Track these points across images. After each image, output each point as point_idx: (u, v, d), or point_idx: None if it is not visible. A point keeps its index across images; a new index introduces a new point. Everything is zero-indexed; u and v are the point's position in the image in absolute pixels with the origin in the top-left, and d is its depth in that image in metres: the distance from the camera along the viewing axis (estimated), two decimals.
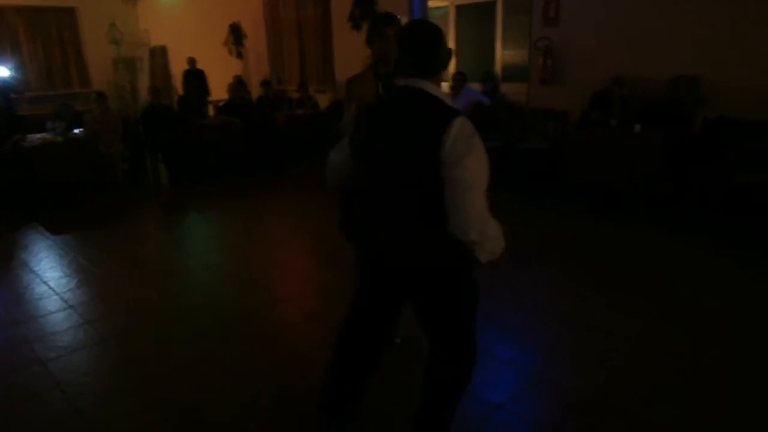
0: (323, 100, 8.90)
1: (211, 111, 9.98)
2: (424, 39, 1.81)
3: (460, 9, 7.61)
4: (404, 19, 8.23)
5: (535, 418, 2.42)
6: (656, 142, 5.07)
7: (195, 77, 9.90)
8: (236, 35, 10.73)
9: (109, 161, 6.70)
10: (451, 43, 7.80)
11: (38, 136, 6.38)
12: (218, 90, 10.23)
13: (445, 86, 7.58)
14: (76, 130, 6.68)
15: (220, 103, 9.82)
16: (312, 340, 3.18)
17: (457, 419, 2.42)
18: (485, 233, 1.70)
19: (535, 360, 2.90)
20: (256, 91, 9.60)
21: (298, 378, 2.76)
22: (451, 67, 7.85)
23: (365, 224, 1.95)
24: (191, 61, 9.96)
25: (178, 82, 10.92)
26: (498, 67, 7.34)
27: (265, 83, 8.88)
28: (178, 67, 11.45)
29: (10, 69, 10.04)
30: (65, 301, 3.78)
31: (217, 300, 3.78)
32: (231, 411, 2.53)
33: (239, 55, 10.87)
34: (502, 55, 7.27)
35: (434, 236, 1.76)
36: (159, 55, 12.72)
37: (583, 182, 5.63)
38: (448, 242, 1.72)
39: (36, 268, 4.43)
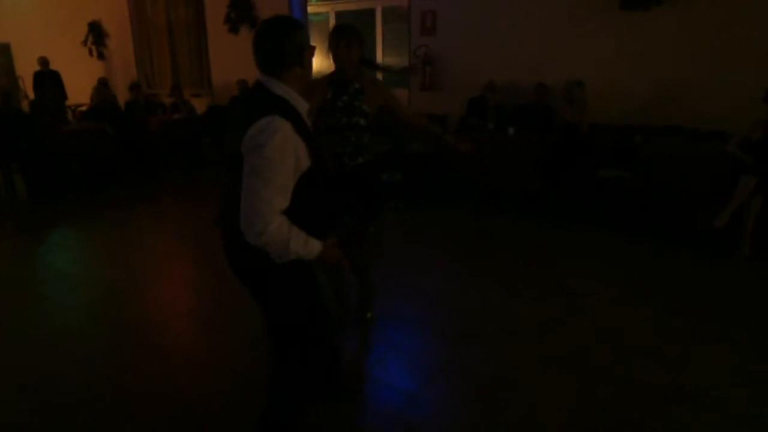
0: (199, 105, 8.52)
1: (69, 116, 9.09)
2: (266, 37, 1.75)
3: (339, 15, 7.69)
4: None
5: (449, 401, 2.54)
6: (528, 144, 5.54)
7: (49, 79, 8.97)
8: (96, 35, 9.93)
9: None
10: (378, 43, 7.82)
11: None
12: (76, 93, 9.38)
13: None
14: None
15: (81, 108, 9.01)
16: (208, 349, 3.05)
17: (376, 410, 2.49)
18: (265, 233, 1.63)
19: (441, 348, 3.04)
20: (122, 96, 8.94)
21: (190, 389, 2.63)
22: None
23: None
24: (43, 62, 9.01)
25: (27, 85, 9.82)
26: (379, 73, 7.52)
27: (134, 86, 8.26)
28: (25, 68, 10.29)
29: None
30: None
31: (97, 319, 3.47)
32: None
33: (101, 56, 10.05)
34: (382, 61, 7.46)
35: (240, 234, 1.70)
36: (1, 54, 11.35)
37: (466, 182, 5.99)
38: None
39: None
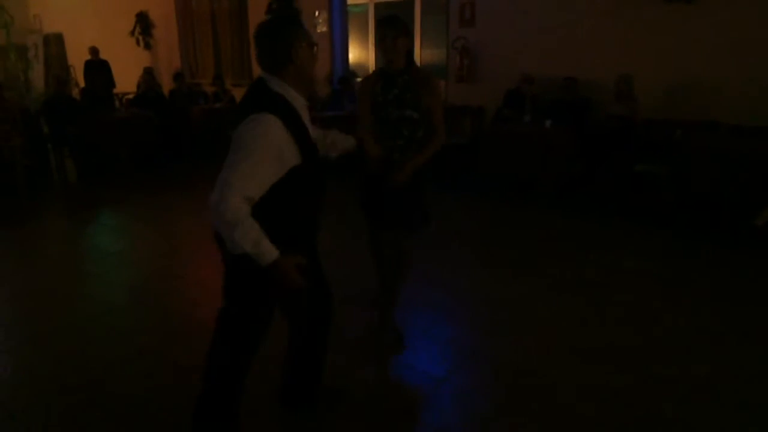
0: (240, 94, 8.70)
1: (117, 104, 9.44)
2: (257, 38, 1.84)
3: (378, 7, 7.75)
4: (324, 15, 8.19)
5: (475, 388, 2.60)
6: (565, 136, 5.50)
7: (99, 68, 9.32)
8: (144, 25, 10.25)
9: (8, 157, 6.17)
10: (370, 40, 7.93)
11: None
12: (123, 82, 9.71)
13: None
14: None
15: (129, 96, 9.34)
16: None
17: (405, 395, 2.56)
18: (220, 204, 1.64)
19: (469, 337, 3.09)
20: (167, 85, 9.23)
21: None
22: (369, 63, 8.01)
23: None
24: (94, 51, 9.37)
25: (78, 73, 10.23)
26: (418, 64, 7.57)
27: (178, 76, 8.55)
28: (76, 57, 10.72)
29: None
30: None
31: (139, 301, 3.65)
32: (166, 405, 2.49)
33: (147, 46, 10.38)
34: (420, 53, 7.50)
35: None
36: (54, 43, 11.84)
37: (498, 174, 5.99)
38: None
39: None
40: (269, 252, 1.69)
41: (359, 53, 8.22)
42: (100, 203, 6.08)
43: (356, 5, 7.99)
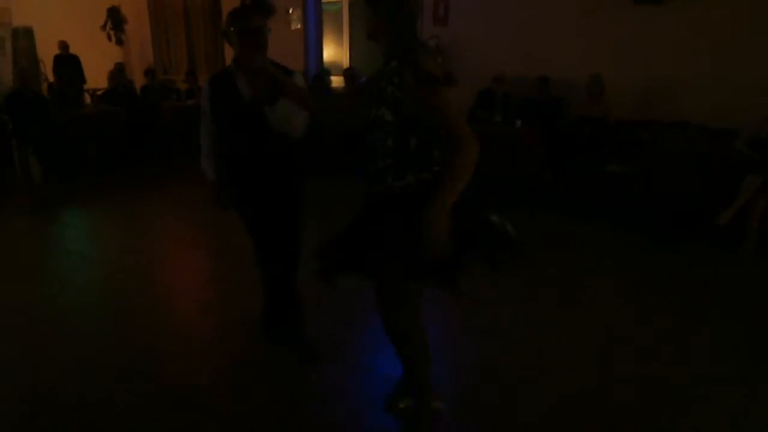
0: None
1: (87, 100, 9.24)
2: None
3: (352, 5, 7.70)
4: (297, 12, 8.09)
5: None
6: (536, 136, 5.51)
7: (68, 63, 9.12)
8: (115, 20, 10.04)
9: None
10: (345, 39, 7.88)
11: None
12: (95, 78, 9.50)
13: (336, 80, 7.65)
14: None
15: (98, 92, 9.14)
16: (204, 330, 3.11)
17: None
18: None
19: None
20: (139, 81, 9.06)
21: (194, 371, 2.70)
22: (344, 62, 7.95)
23: None
24: (63, 46, 9.16)
25: (48, 68, 9.99)
26: None
27: (149, 72, 8.39)
28: (46, 52, 10.46)
29: None
30: None
31: (102, 297, 3.56)
32: (119, 408, 2.42)
33: (119, 42, 10.18)
34: None
35: None
36: (24, 37, 11.52)
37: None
38: None
39: None
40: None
41: (334, 51, 8.15)
42: (64, 202, 5.91)
43: (331, 2, 7.93)
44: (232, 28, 2.30)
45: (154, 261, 4.21)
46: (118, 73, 8.09)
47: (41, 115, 6.61)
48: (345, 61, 7.95)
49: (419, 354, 2.12)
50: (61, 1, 10.77)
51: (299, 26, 7.84)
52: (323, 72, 7.93)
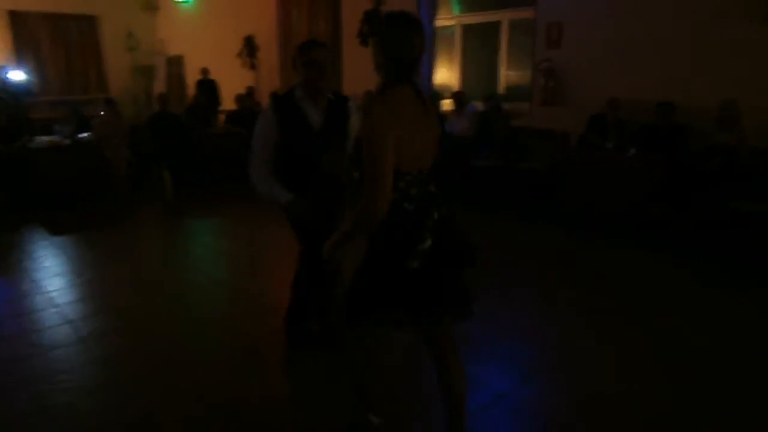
0: None
1: (221, 121, 10.14)
2: None
3: (465, 28, 7.67)
4: None
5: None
6: (650, 166, 5.05)
7: (207, 87, 10.09)
8: (250, 47, 10.93)
9: (114, 165, 6.84)
10: (456, 62, 7.86)
11: (46, 138, 6.54)
12: (230, 100, 10.41)
13: (447, 103, 7.65)
14: (83, 134, 6.83)
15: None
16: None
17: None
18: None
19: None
20: (266, 103, 9.75)
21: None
22: (455, 85, 7.92)
23: None
24: (204, 71, 10.17)
25: (191, 92, 11.14)
26: (501, 86, 7.37)
27: (272, 94, 9.00)
28: (193, 77, 11.68)
29: (25, 73, 10.33)
30: (51, 300, 3.86)
31: (209, 307, 3.84)
32: (189, 415, 2.56)
33: (252, 67, 11.06)
34: (506, 75, 7.30)
35: None
36: (175, 64, 12.99)
37: (577, 204, 5.62)
38: None
39: (28, 267, 4.53)
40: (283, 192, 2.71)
41: (445, 74, 8.17)
42: (188, 213, 6.53)
43: (445, 27, 7.96)
44: (298, 59, 2.50)
45: (262, 273, 4.52)
46: (246, 96, 8.79)
47: (177, 135, 7.38)
48: (456, 84, 7.92)
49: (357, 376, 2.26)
50: (206, 32, 11.98)
51: None
52: (433, 95, 7.97)
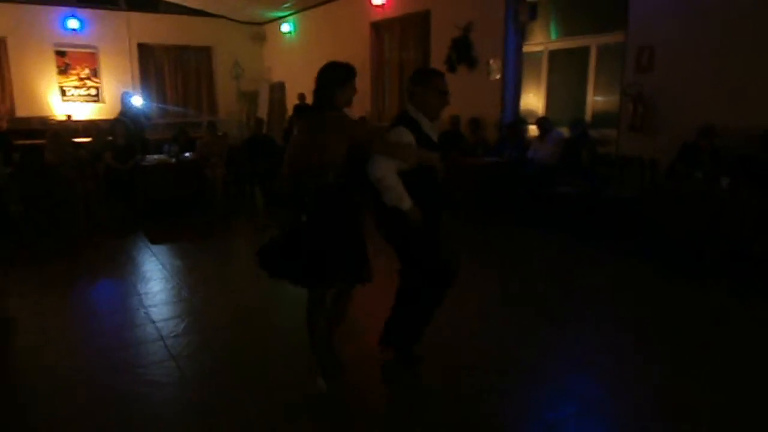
0: None
1: None
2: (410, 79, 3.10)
3: (552, 54, 7.56)
4: (498, 63, 8.13)
5: None
6: (747, 199, 4.67)
7: (303, 111, 10.66)
8: None
9: (212, 183, 7.44)
10: (542, 88, 7.76)
11: (155, 156, 7.27)
12: None
13: (532, 129, 7.54)
14: (187, 154, 7.52)
15: None
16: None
17: None
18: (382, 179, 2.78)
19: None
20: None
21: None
22: (541, 110, 7.80)
23: None
24: (300, 97, 10.78)
25: (288, 115, 11.85)
26: (588, 112, 7.16)
27: (361, 119, 9.37)
28: (293, 102, 12.42)
29: (143, 99, 11.54)
30: (140, 301, 4.29)
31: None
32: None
33: None
34: (593, 100, 7.09)
35: None
36: (277, 90, 13.87)
37: (665, 236, 5.30)
38: None
39: (127, 271, 5.06)
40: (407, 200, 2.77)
41: (531, 100, 8.07)
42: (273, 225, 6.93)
43: (532, 52, 7.90)
44: (432, 87, 2.89)
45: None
46: None
47: (270, 156, 7.88)
48: (541, 110, 7.79)
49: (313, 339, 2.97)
50: (306, 60, 12.71)
51: (498, 76, 7.96)
52: (518, 121, 7.90)
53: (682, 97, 5.84)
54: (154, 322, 3.91)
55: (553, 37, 7.56)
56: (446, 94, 2.95)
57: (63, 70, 12.23)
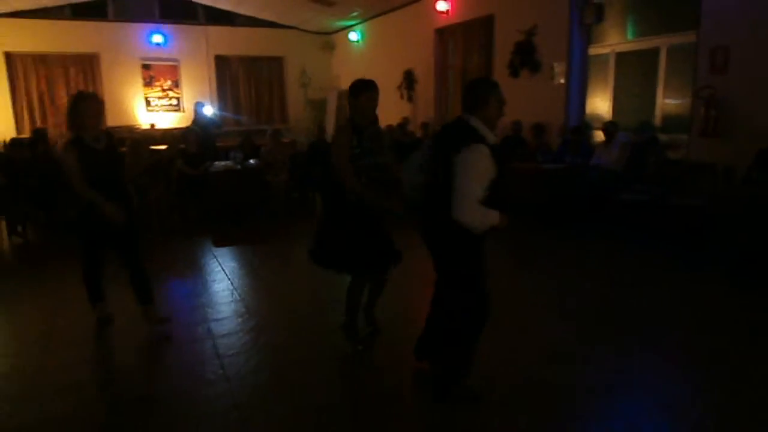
0: None
1: None
2: (469, 87, 2.91)
3: (620, 56, 7.25)
4: (562, 67, 7.98)
5: None
6: None
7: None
8: (409, 80, 11.54)
9: (275, 189, 7.71)
10: (609, 91, 7.46)
11: (222, 163, 7.64)
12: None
13: (599, 134, 7.25)
14: (252, 161, 7.84)
15: None
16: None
17: None
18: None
19: None
20: (420, 132, 10.17)
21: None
22: (607, 114, 7.49)
23: None
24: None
25: None
26: (658, 116, 6.79)
27: (424, 125, 9.39)
28: None
29: (215, 108, 12.17)
30: (198, 298, 4.53)
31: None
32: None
33: (409, 99, 11.64)
34: (662, 104, 6.72)
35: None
36: (345, 97, 14.15)
37: (738, 248, 4.94)
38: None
39: (190, 271, 5.36)
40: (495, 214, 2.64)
41: (597, 103, 7.77)
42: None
43: (598, 55, 7.62)
44: (495, 96, 2.79)
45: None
46: (398, 126, 9.27)
47: (327, 161, 8.05)
48: (608, 114, 7.49)
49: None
50: (372, 67, 12.90)
51: (562, 81, 7.74)
52: (582, 125, 7.63)
53: (758, 101, 5.43)
54: (207, 321, 4.13)
55: (625, 37, 7.24)
56: (504, 103, 2.87)
57: (148, 82, 13.15)
